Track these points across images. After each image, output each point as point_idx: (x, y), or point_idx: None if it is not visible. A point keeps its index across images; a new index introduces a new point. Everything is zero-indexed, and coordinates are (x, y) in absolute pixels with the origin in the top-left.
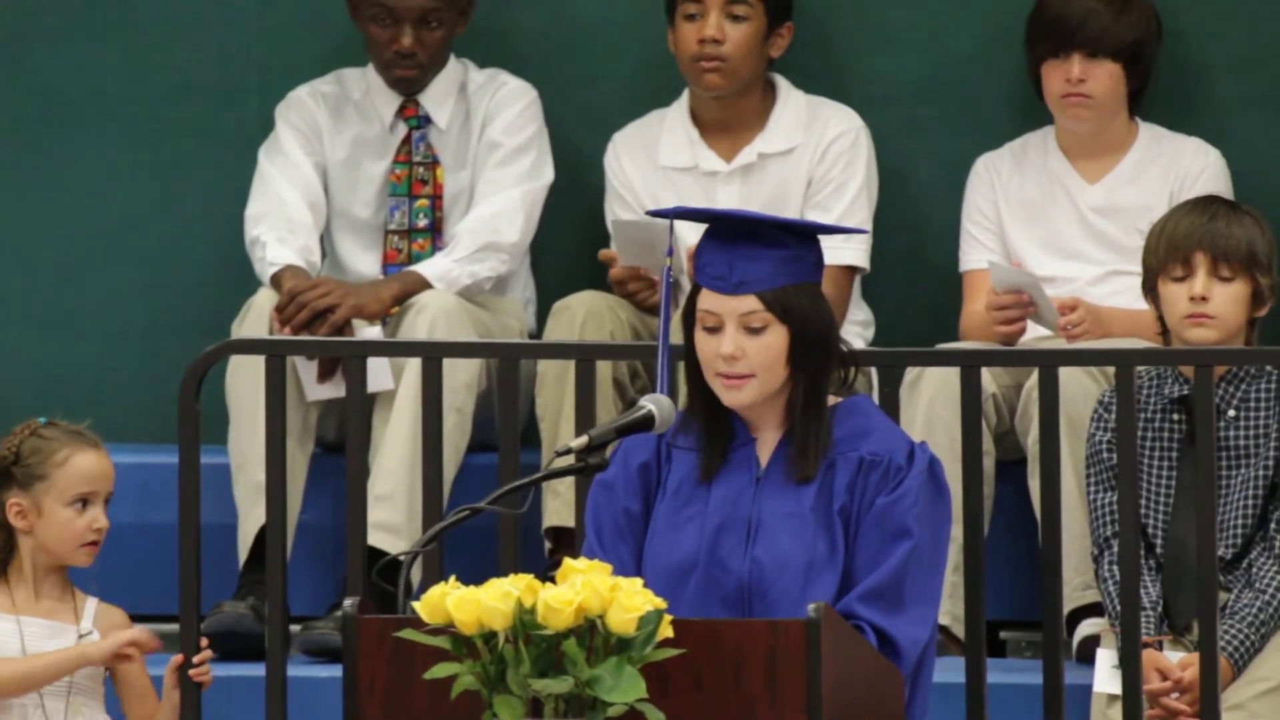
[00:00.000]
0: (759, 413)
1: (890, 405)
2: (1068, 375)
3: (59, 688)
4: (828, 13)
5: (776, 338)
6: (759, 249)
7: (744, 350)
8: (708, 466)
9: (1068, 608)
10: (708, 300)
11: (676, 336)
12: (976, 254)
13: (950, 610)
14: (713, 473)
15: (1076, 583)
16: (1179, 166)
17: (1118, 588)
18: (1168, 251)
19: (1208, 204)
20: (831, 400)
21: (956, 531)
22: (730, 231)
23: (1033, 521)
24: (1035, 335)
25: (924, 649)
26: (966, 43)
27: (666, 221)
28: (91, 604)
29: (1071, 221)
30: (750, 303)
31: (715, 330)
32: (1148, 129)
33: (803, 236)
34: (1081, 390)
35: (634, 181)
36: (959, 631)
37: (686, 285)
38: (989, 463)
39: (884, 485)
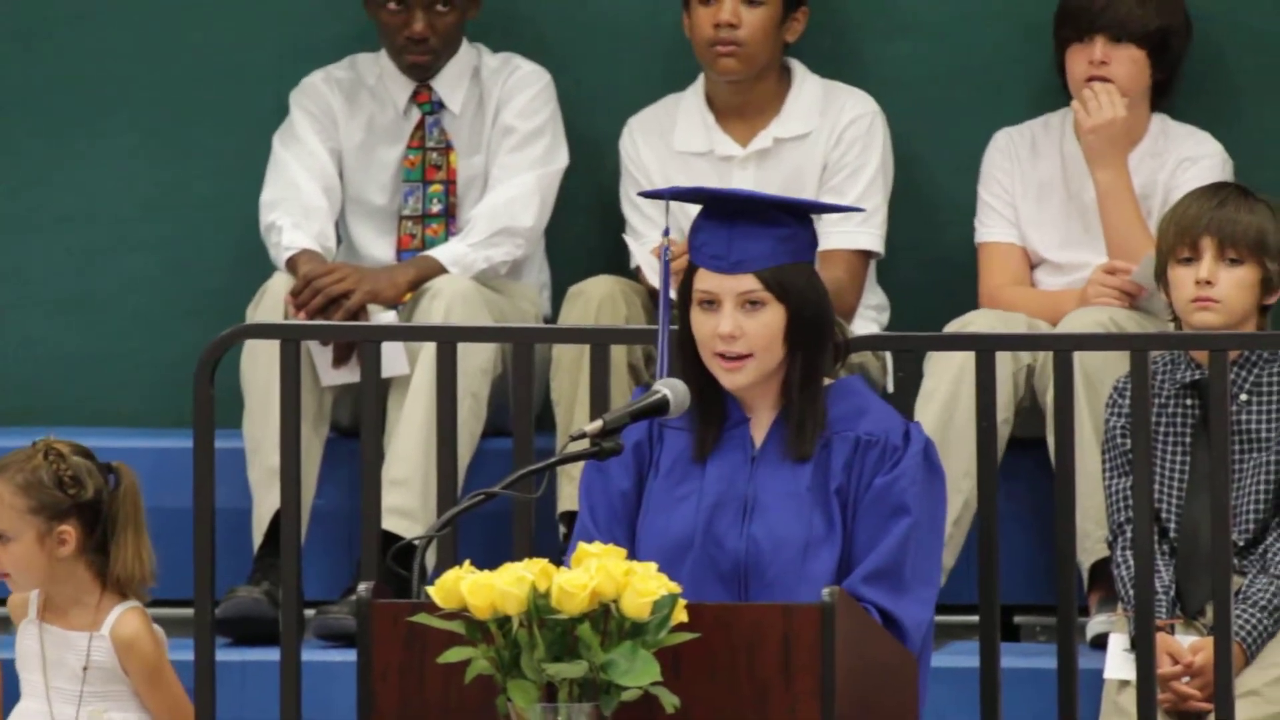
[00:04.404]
0: (754, 392)
1: (910, 385)
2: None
3: (70, 691)
4: None
5: (774, 316)
6: (756, 228)
7: (742, 329)
8: (702, 445)
9: (1089, 561)
10: (705, 279)
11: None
12: (995, 225)
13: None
14: (707, 452)
15: (1097, 535)
16: (1177, 155)
17: (1130, 573)
18: (1176, 236)
19: (1219, 190)
20: (825, 381)
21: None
22: (727, 210)
23: (1050, 505)
24: None
25: (925, 631)
26: (982, 27)
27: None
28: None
29: (1079, 208)
30: (749, 281)
31: (713, 309)
32: (1158, 120)
33: (798, 216)
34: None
35: (649, 166)
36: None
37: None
38: (1005, 430)
39: (881, 465)
